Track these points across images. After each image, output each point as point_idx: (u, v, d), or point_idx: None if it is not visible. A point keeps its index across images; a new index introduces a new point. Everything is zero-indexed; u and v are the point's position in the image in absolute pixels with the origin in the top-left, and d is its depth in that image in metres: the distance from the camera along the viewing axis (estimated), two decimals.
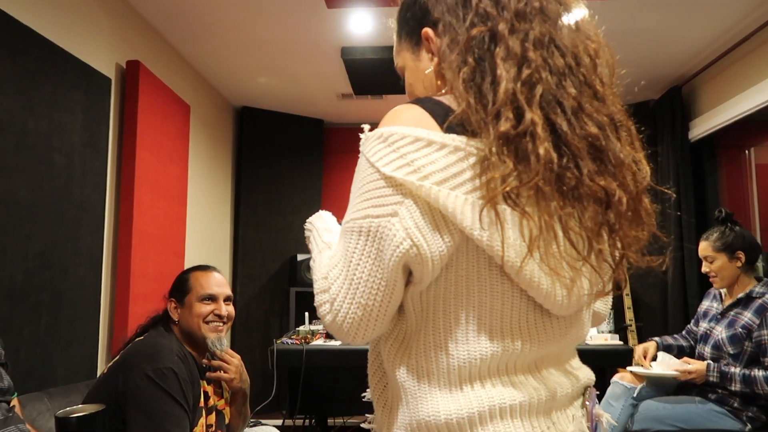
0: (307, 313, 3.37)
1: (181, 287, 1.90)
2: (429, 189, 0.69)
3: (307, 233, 0.98)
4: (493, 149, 0.69)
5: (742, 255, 2.41)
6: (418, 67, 0.90)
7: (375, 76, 3.62)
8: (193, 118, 3.57)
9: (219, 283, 1.92)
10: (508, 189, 0.68)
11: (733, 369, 2.28)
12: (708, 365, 2.32)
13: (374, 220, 0.72)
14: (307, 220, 0.99)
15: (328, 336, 3.14)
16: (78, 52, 2.39)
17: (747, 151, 3.64)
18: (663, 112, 3.87)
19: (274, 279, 4.43)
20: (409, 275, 0.75)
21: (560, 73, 0.72)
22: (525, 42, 0.73)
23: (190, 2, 2.86)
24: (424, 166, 0.70)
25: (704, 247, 2.49)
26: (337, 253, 0.77)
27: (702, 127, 3.62)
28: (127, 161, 2.75)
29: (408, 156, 0.71)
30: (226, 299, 1.91)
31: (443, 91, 0.87)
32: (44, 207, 2.17)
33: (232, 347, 4.23)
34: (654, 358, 2.56)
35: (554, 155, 0.69)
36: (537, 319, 0.76)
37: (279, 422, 3.41)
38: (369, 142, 0.75)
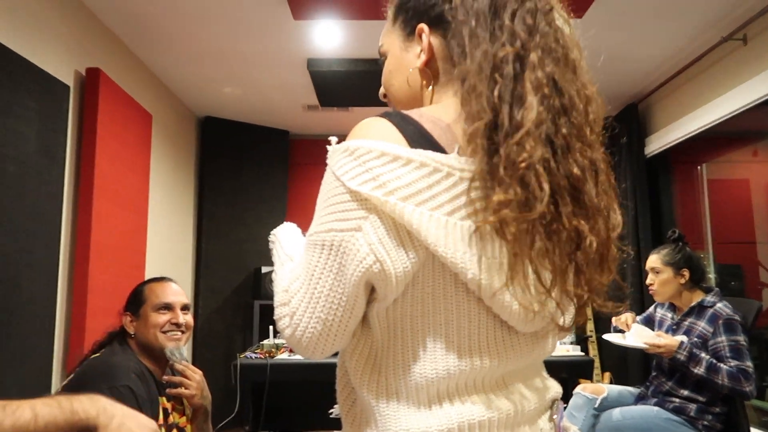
0: (271, 327, 3.33)
1: (135, 299, 1.84)
2: (394, 205, 0.69)
3: (270, 245, 0.96)
4: (500, 173, 0.68)
5: (687, 272, 2.52)
6: (403, 58, 0.88)
7: (341, 89, 3.62)
8: (155, 127, 3.50)
9: (175, 292, 1.87)
10: (507, 217, 0.68)
11: (703, 354, 2.33)
12: (681, 342, 2.36)
13: (338, 234, 0.71)
14: (272, 232, 0.98)
15: (293, 350, 3.10)
16: (34, 58, 2.32)
17: (700, 167, 3.78)
18: (620, 128, 4.00)
19: (237, 292, 4.36)
20: (372, 291, 0.74)
21: (556, 111, 0.72)
22: (547, 76, 0.72)
23: (153, 11, 2.82)
24: (390, 182, 0.70)
25: (654, 260, 2.58)
26: (299, 265, 0.76)
27: (657, 143, 3.75)
28: (86, 171, 2.67)
29: (374, 170, 0.70)
30: (183, 308, 1.86)
31: (428, 89, 0.86)
32: None
33: (193, 362, 4.14)
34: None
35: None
36: (503, 335, 0.76)
37: None
38: (335, 155, 0.75)
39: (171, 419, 1.82)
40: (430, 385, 0.73)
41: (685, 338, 2.41)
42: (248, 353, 3.03)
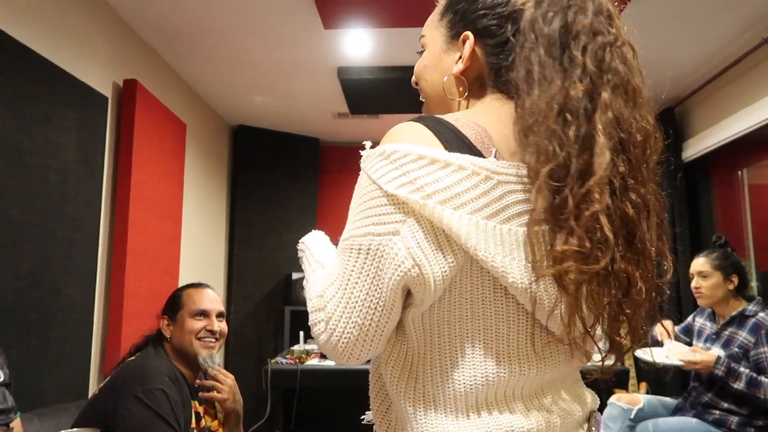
0: (302, 333, 3.35)
1: (173, 304, 1.88)
2: (432, 208, 0.68)
3: (300, 253, 0.97)
4: (563, 218, 0.67)
5: (736, 279, 2.43)
6: (442, 60, 0.87)
7: (371, 96, 3.64)
8: (189, 136, 3.57)
9: (212, 299, 1.90)
10: (570, 269, 0.66)
11: (741, 368, 2.25)
12: (718, 357, 2.29)
13: (375, 238, 0.71)
14: (300, 240, 0.98)
15: (323, 356, 3.11)
16: (74, 71, 2.40)
17: (740, 172, 3.67)
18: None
19: (268, 298, 4.40)
20: (408, 296, 0.73)
21: (615, 149, 0.69)
22: (615, 115, 0.70)
23: (187, 22, 2.88)
24: (428, 185, 0.69)
25: (702, 263, 2.50)
26: (333, 271, 0.76)
27: (695, 147, 3.65)
28: (123, 180, 2.74)
29: (411, 174, 0.70)
30: (219, 315, 1.89)
31: (461, 97, 0.85)
32: (36, 226, 2.16)
33: (226, 367, 4.19)
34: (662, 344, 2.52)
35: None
36: (542, 342, 0.74)
37: None
38: (371, 159, 0.74)
39: (203, 423, 1.85)
40: (469, 393, 0.72)
41: (722, 352, 2.33)
42: (279, 359, 3.05)
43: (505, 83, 0.80)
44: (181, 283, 3.33)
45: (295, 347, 3.24)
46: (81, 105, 2.44)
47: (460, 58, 0.84)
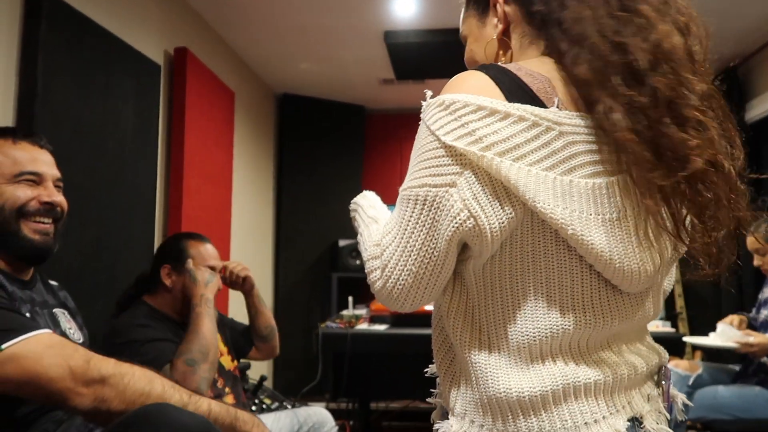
0: (350, 298, 3.39)
1: (178, 255, 1.88)
2: (491, 160, 0.67)
3: (352, 213, 0.98)
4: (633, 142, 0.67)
5: None
6: (482, 34, 0.89)
7: (418, 61, 3.58)
8: (238, 104, 3.61)
9: (215, 255, 1.95)
10: (659, 183, 0.67)
11: None
12: None
13: (432, 189, 0.71)
14: (352, 201, 1.00)
15: (372, 320, 3.15)
16: (129, 39, 2.43)
17: None
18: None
19: (316, 265, 4.47)
20: (467, 248, 0.74)
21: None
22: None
23: None
24: (487, 136, 0.68)
25: (752, 241, 2.39)
26: (391, 221, 0.77)
27: (759, 108, 3.47)
28: (176, 147, 2.79)
29: (470, 125, 0.69)
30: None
31: (506, 56, 0.86)
32: (98, 193, 2.22)
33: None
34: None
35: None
36: (608, 295, 0.74)
37: (323, 405, 3.45)
38: (430, 109, 0.74)
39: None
40: (533, 344, 0.72)
41: None
42: (329, 323, 3.10)
43: (551, 36, 0.79)
44: (234, 251, 3.41)
45: (345, 312, 3.28)
46: (136, 74, 2.48)
47: (498, 21, 0.85)
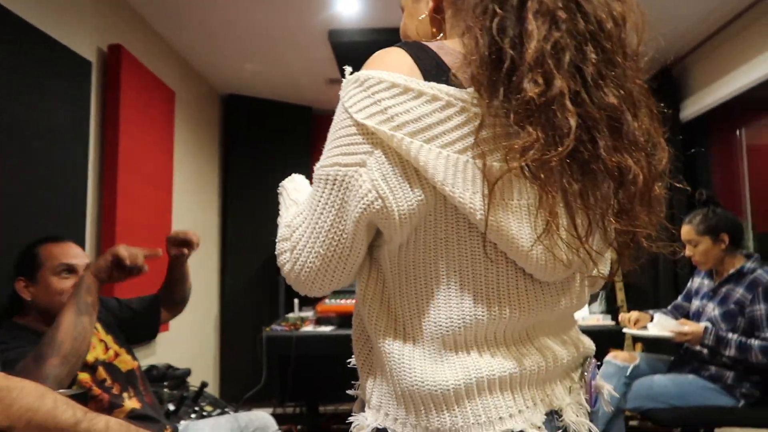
0: (296, 300, 3.34)
1: (30, 262, 1.71)
2: (401, 140, 0.65)
3: (279, 198, 0.95)
4: (512, 115, 0.63)
5: (726, 237, 2.39)
6: (415, 8, 0.86)
7: (364, 59, 3.52)
8: (178, 104, 3.51)
9: (76, 254, 1.76)
10: (529, 161, 0.63)
11: (730, 335, 2.25)
12: (705, 328, 2.29)
13: (341, 168, 0.69)
14: (279, 184, 0.96)
15: (318, 322, 3.11)
16: (59, 36, 2.33)
17: (738, 131, 3.62)
18: (653, 93, 3.84)
19: (263, 268, 4.39)
20: (381, 233, 0.71)
21: (582, 37, 0.66)
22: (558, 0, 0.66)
23: None
24: (398, 115, 0.65)
25: (687, 231, 2.46)
26: (304, 201, 0.75)
27: (693, 107, 3.60)
28: (110, 147, 2.69)
29: (382, 102, 0.66)
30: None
31: (438, 36, 0.84)
32: (26, 196, 2.11)
33: (222, 336, 4.19)
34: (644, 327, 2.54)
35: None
36: (525, 285, 0.71)
37: (270, 410, 3.38)
38: (347, 86, 0.71)
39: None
40: (446, 335, 0.70)
41: (709, 324, 2.34)
42: (274, 326, 3.04)
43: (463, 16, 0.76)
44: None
45: (290, 315, 3.23)
46: (67, 71, 2.38)
47: None
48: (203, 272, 3.97)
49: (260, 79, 4.11)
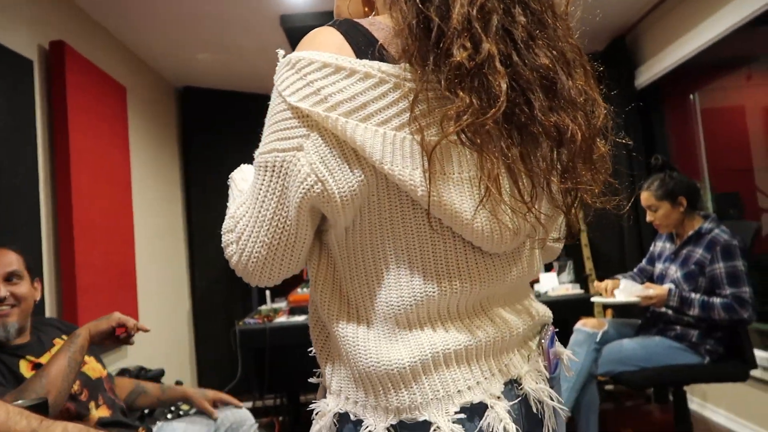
0: (268, 292, 3.31)
1: None
2: (336, 120, 0.64)
3: (228, 190, 0.93)
4: (443, 82, 0.62)
5: (683, 200, 2.45)
6: None
7: None
8: (131, 100, 3.41)
9: (9, 261, 1.66)
10: (464, 126, 0.62)
11: (693, 295, 2.32)
12: (669, 290, 2.36)
13: (279, 154, 0.67)
14: (230, 175, 0.94)
15: (292, 312, 3.09)
16: None
17: (692, 96, 3.69)
18: (608, 63, 3.88)
19: None
20: (326, 217, 0.70)
21: (510, 0, 0.66)
22: None
23: None
24: (332, 95, 0.64)
25: (646, 197, 2.51)
26: (247, 191, 0.73)
27: (647, 74, 3.65)
28: (60, 146, 2.60)
29: (315, 83, 0.65)
30: (7, 278, 1.64)
31: (371, 14, 0.82)
32: None
33: (196, 332, 4.13)
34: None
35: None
36: (474, 258, 0.71)
37: (250, 404, 3.36)
38: (279, 69, 0.70)
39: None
40: (398, 314, 0.69)
41: (672, 286, 2.39)
42: (247, 319, 3.01)
43: None
44: (140, 252, 3.24)
45: (263, 307, 3.20)
46: (6, 71, 2.28)
47: None
48: (171, 269, 3.90)
49: (215, 69, 4.02)
